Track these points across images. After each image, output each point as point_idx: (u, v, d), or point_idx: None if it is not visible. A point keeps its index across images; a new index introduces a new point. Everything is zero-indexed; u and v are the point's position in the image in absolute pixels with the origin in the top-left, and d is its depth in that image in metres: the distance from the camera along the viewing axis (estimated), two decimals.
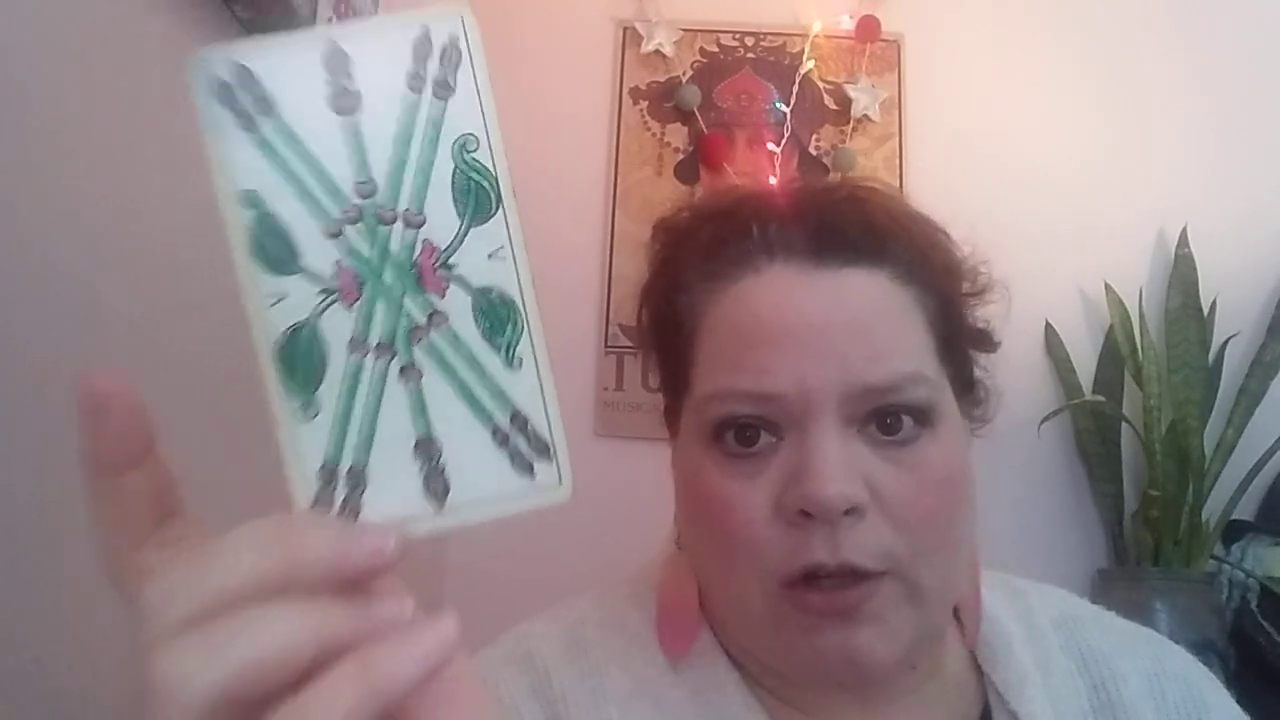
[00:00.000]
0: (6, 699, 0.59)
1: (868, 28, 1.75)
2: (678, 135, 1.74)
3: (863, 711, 0.62)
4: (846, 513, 0.54)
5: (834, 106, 1.75)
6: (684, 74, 1.76)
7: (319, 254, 0.33)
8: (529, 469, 0.34)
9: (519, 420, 0.34)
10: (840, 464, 0.54)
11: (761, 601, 0.57)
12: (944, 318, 0.61)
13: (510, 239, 0.34)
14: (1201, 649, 1.37)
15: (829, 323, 0.56)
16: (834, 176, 1.71)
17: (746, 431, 0.57)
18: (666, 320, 0.63)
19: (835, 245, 0.58)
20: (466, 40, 0.34)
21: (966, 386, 0.63)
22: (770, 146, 1.72)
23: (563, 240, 1.71)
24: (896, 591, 0.55)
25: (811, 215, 0.60)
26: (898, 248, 0.60)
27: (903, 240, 0.60)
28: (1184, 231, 1.63)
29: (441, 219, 0.34)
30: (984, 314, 0.66)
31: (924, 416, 0.57)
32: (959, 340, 0.63)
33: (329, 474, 0.33)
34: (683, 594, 0.64)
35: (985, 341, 0.65)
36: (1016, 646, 0.64)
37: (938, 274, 0.61)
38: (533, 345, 0.35)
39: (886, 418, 0.56)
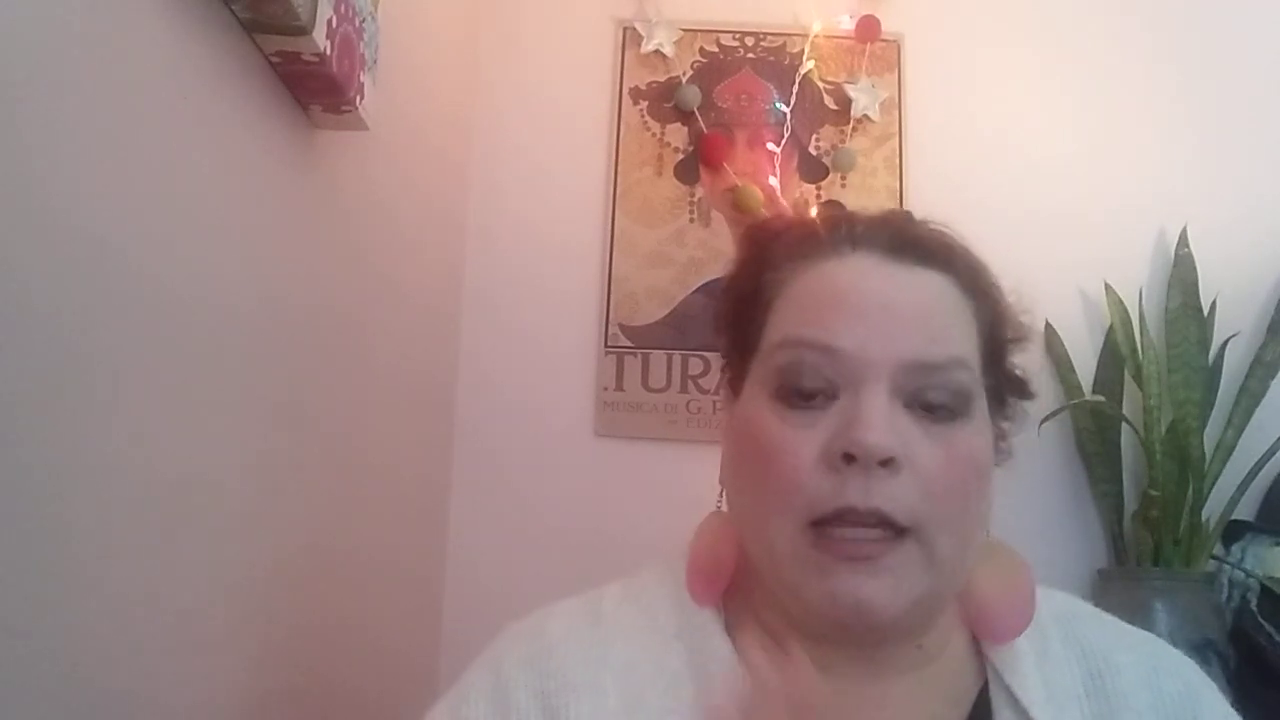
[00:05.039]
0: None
1: (868, 28, 1.74)
2: (678, 135, 1.74)
3: (871, 679, 0.67)
4: (883, 464, 0.61)
5: (834, 106, 1.75)
6: (684, 74, 1.76)
7: None
8: None
9: None
10: (887, 420, 0.62)
11: (789, 543, 0.63)
12: (993, 333, 0.69)
13: None
14: (1201, 649, 1.37)
15: (897, 303, 0.65)
16: (835, 182, 1.71)
17: (807, 388, 0.64)
18: (748, 293, 0.71)
19: (911, 247, 0.67)
20: None
21: (999, 402, 0.70)
22: (770, 146, 1.72)
23: (563, 240, 1.71)
24: (914, 553, 0.62)
25: (894, 223, 0.69)
26: (963, 265, 0.69)
27: (968, 262, 0.69)
28: (1184, 231, 1.63)
29: None
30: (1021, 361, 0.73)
31: (961, 402, 0.64)
32: (1001, 360, 0.70)
33: None
34: (719, 547, 0.71)
35: (1023, 390, 0.73)
36: None
37: (994, 297, 0.70)
38: None
39: (929, 393, 0.63)
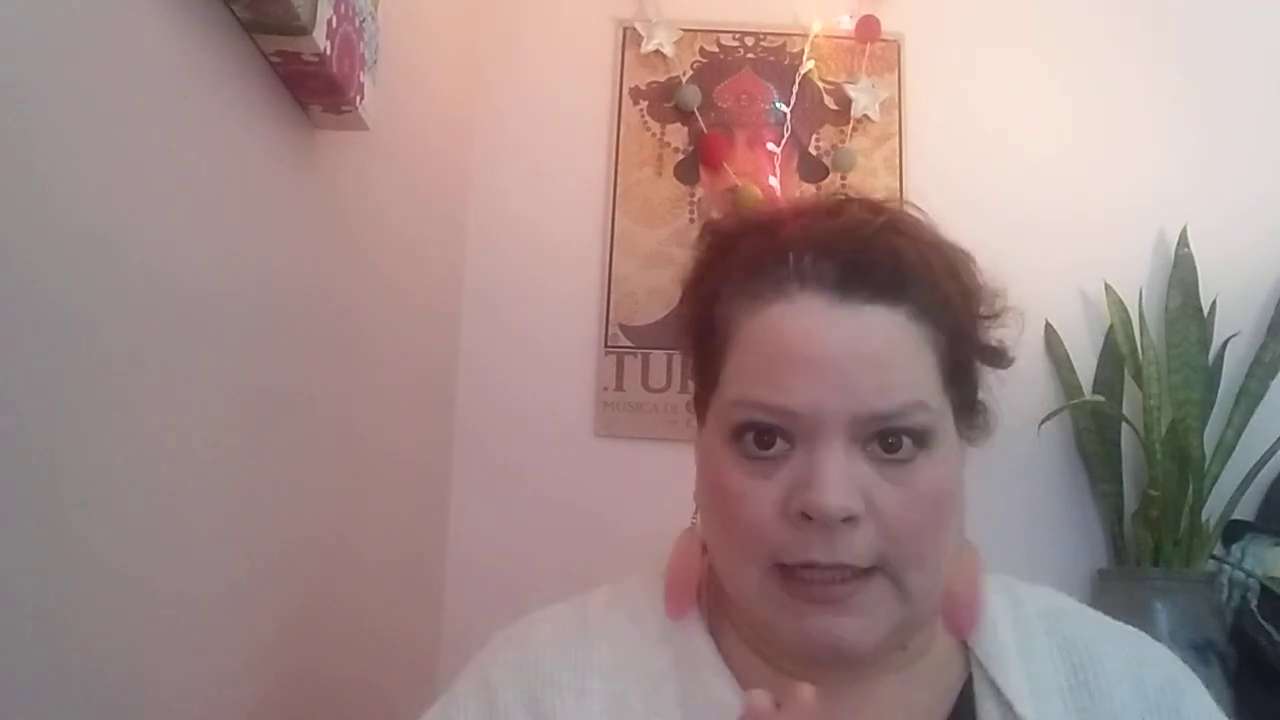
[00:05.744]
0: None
1: (868, 28, 1.75)
2: (678, 135, 1.74)
3: (856, 680, 0.68)
4: (844, 520, 0.61)
5: (834, 106, 1.75)
6: (684, 74, 1.76)
7: None
8: None
9: None
10: (843, 478, 0.61)
11: (759, 583, 0.64)
12: (953, 348, 0.67)
13: None
14: (1201, 649, 1.37)
15: (846, 355, 0.63)
16: (834, 181, 1.71)
17: (764, 436, 0.64)
18: (703, 324, 0.70)
19: (860, 283, 0.64)
20: None
21: (968, 408, 0.69)
22: (770, 146, 1.72)
23: (563, 240, 1.71)
24: (885, 588, 0.63)
25: (844, 250, 0.65)
26: (918, 288, 0.65)
27: (925, 279, 0.66)
28: (1184, 231, 1.63)
29: None
30: (999, 333, 0.71)
31: (922, 439, 0.64)
32: (968, 365, 0.69)
33: None
34: (689, 561, 0.73)
35: (999, 358, 0.72)
36: (1000, 627, 0.70)
37: (953, 307, 0.67)
38: None
39: (889, 438, 0.63)
